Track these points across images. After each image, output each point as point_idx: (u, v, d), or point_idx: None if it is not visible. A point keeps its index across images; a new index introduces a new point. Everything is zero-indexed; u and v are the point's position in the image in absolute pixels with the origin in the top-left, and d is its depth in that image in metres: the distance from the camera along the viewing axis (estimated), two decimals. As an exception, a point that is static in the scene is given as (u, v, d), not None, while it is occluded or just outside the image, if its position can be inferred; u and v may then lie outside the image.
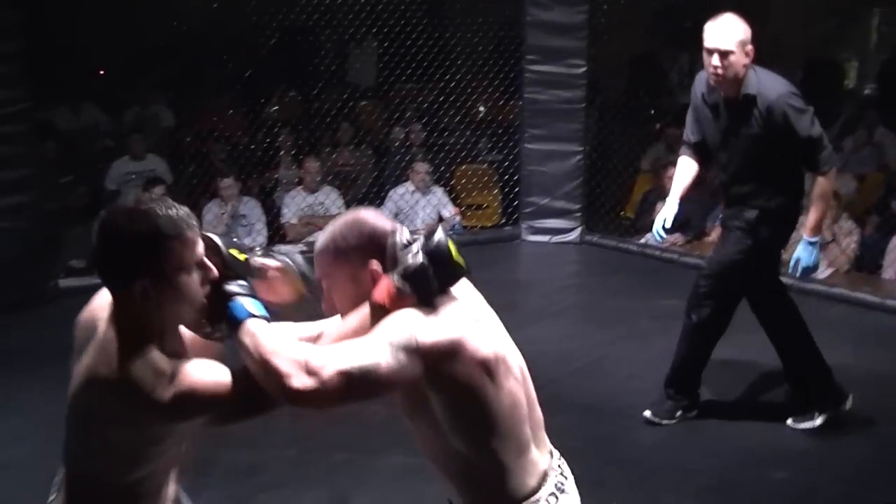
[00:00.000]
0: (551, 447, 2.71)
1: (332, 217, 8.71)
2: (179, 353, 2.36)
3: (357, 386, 2.27)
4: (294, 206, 8.87)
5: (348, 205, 9.00)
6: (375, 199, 9.15)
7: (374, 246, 2.48)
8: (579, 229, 8.81)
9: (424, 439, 2.58)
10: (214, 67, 10.38)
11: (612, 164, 9.15)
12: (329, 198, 8.92)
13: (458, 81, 9.28)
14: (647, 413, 5.43)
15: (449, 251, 2.43)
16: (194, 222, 2.32)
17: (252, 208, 8.73)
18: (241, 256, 2.49)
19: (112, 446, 2.33)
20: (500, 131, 9.61)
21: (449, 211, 8.99)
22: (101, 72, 11.17)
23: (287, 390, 2.22)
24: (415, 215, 8.92)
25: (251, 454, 5.18)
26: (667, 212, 5.45)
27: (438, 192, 9.08)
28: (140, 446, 2.33)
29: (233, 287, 2.37)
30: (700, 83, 5.26)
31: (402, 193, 8.99)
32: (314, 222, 8.73)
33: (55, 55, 9.26)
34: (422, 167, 9.01)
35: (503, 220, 9.25)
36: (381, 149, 10.01)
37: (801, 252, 5.15)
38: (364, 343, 2.32)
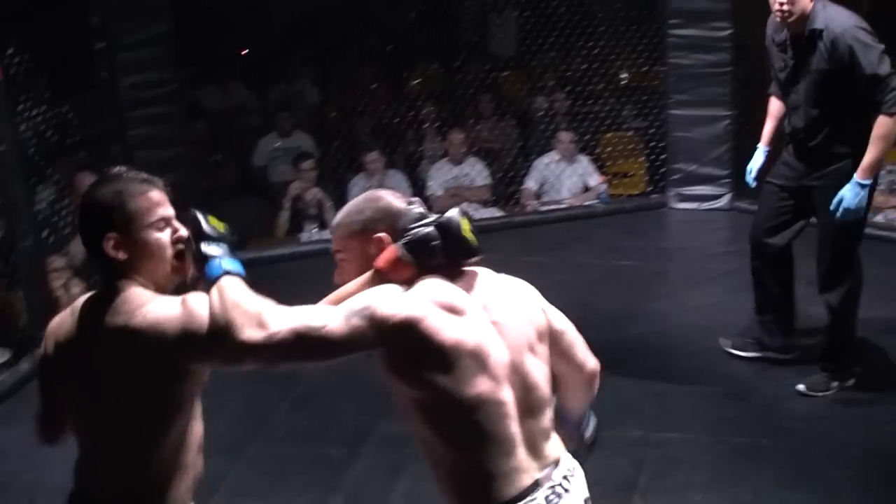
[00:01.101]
0: (562, 458, 2.64)
1: (478, 188, 8.80)
2: None
3: (304, 345, 2.37)
4: (439, 177, 8.89)
5: (493, 175, 9.00)
6: (521, 169, 9.11)
7: (387, 219, 2.57)
8: (728, 196, 8.62)
9: (418, 444, 2.60)
10: (357, 43, 10.43)
11: (761, 128, 8.92)
12: (474, 169, 8.91)
13: (601, 48, 9.18)
14: (801, 387, 5.32)
15: (459, 227, 2.51)
16: (158, 185, 2.60)
17: (398, 181, 8.77)
18: (221, 225, 2.62)
19: (125, 412, 2.50)
20: (644, 98, 9.48)
21: (595, 180, 8.91)
22: (246, 51, 11.32)
23: (236, 341, 2.33)
24: (560, 184, 8.86)
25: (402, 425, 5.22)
26: (754, 161, 5.39)
27: (584, 161, 8.99)
28: (148, 402, 2.49)
29: (209, 249, 2.50)
30: (770, 24, 5.12)
31: (546, 163, 8.94)
32: (460, 194, 8.74)
33: (202, 35, 9.42)
34: (566, 136, 8.93)
35: (650, 188, 9.13)
36: (525, 119, 9.95)
37: (847, 192, 4.92)
38: (323, 306, 2.46)
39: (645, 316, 5.68)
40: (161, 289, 2.57)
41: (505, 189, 9.03)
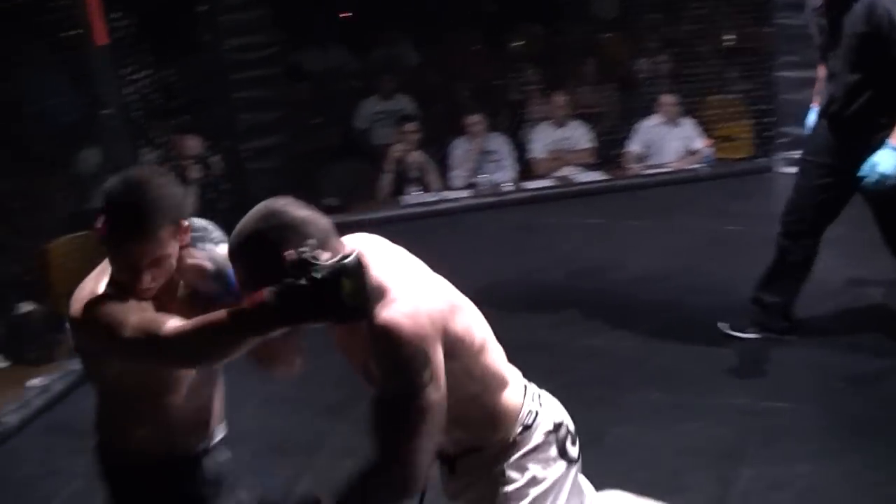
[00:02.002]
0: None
1: (581, 151, 8.71)
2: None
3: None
4: (542, 140, 8.81)
5: (596, 138, 8.89)
6: (623, 132, 8.99)
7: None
8: (837, 159, 8.42)
9: None
10: (459, 4, 10.37)
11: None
12: (577, 131, 8.81)
13: (706, 9, 9.00)
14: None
15: (338, 286, 2.17)
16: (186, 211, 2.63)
17: (500, 144, 8.72)
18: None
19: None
20: (750, 60, 9.27)
21: (699, 143, 8.76)
22: (348, 14, 11.32)
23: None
24: (664, 148, 8.73)
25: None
26: (806, 125, 5.25)
27: (688, 125, 8.84)
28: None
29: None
30: None
31: (650, 126, 8.81)
32: (562, 157, 8.67)
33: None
34: (669, 99, 8.78)
35: (756, 152, 8.95)
36: (627, 82, 9.82)
37: (882, 157, 4.72)
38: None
39: (751, 281, 5.56)
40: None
41: (608, 152, 8.92)
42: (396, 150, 8.49)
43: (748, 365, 5.27)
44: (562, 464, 2.74)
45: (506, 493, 2.66)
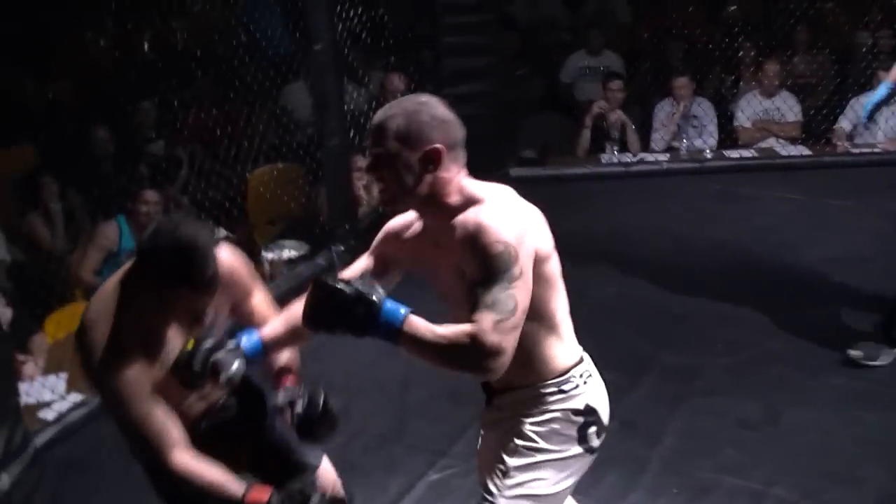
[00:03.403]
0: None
1: (788, 124, 8.46)
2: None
3: None
4: (749, 109, 8.59)
5: (806, 112, 8.62)
6: (836, 107, 8.69)
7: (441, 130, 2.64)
8: None
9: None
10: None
11: None
12: (786, 103, 8.56)
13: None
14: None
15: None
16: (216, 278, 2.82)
17: (705, 109, 8.54)
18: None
19: None
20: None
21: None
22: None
23: None
24: (876, 126, 8.36)
25: (688, 357, 5.15)
26: (877, 95, 5.19)
27: (905, 104, 8.48)
28: None
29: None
30: None
31: (864, 103, 8.46)
32: (768, 127, 8.44)
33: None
34: (886, 75, 8.40)
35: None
36: (845, 54, 9.47)
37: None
38: None
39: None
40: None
41: (817, 127, 8.63)
42: (598, 106, 8.41)
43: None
44: (578, 447, 2.81)
45: (515, 445, 2.80)
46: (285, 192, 7.29)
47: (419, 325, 2.52)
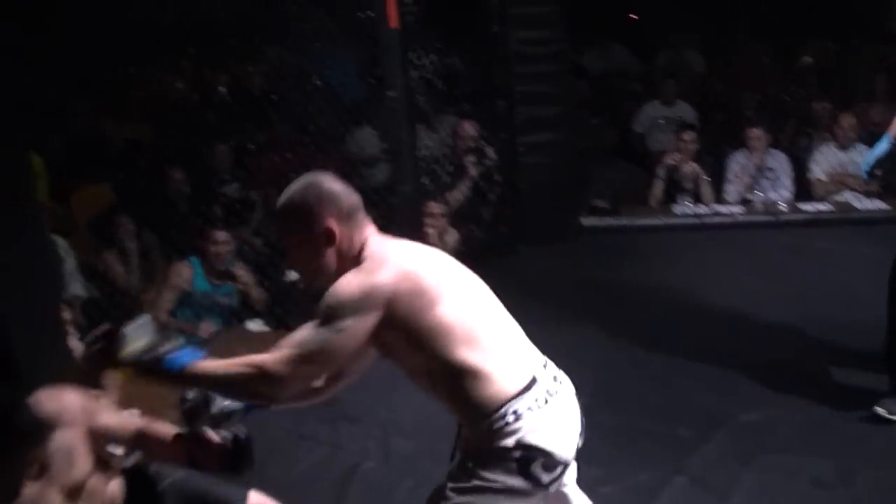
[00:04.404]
0: (546, 362, 3.00)
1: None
2: None
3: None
4: (824, 162, 8.48)
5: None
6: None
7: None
8: None
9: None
10: (749, 13, 10.16)
11: None
12: (862, 156, 8.42)
13: None
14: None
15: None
16: None
17: (780, 161, 8.47)
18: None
19: None
20: None
21: None
22: (635, 16, 11.26)
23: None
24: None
25: (760, 413, 5.08)
26: (877, 149, 5.03)
27: None
28: None
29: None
30: None
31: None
32: (844, 181, 8.34)
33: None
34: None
35: None
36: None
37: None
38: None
39: None
40: None
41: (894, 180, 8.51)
42: (671, 157, 8.38)
43: None
44: (520, 480, 2.83)
45: (456, 471, 2.92)
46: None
47: (205, 365, 2.79)
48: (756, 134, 8.39)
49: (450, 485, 2.89)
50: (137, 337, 2.83)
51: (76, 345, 5.23)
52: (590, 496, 4.33)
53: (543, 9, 7.63)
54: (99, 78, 8.21)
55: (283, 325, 6.34)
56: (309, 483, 4.70)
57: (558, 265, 7.33)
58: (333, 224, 2.85)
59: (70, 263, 6.45)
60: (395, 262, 2.83)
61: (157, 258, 7.06)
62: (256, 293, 6.67)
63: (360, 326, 2.74)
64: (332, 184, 2.92)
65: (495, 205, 7.84)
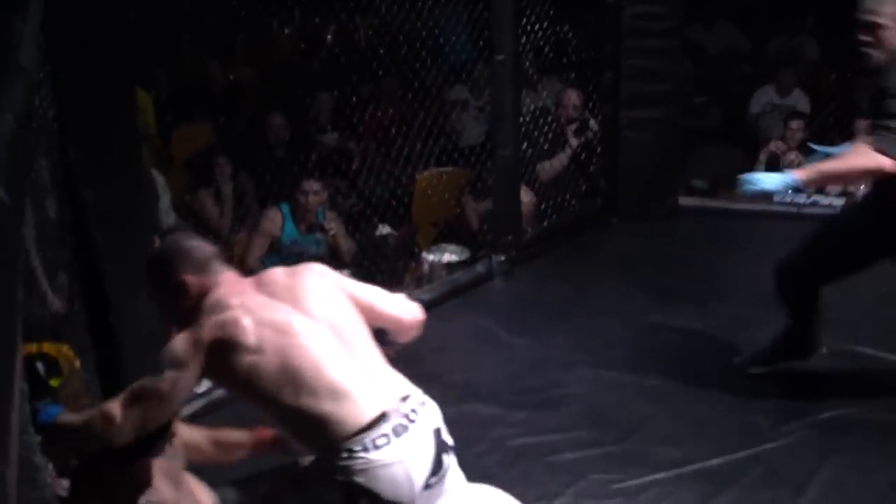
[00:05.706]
0: (411, 394, 2.99)
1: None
2: None
3: None
4: (931, 159, 8.26)
5: None
6: None
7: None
8: None
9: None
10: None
11: None
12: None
13: None
14: None
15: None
16: None
17: (888, 152, 8.27)
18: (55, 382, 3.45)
19: None
20: None
21: None
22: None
23: None
24: None
25: (841, 410, 4.98)
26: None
27: None
28: None
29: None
30: None
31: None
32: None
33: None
34: None
35: None
36: None
37: (771, 177, 4.75)
38: None
39: None
40: None
41: None
42: (776, 145, 8.23)
43: None
44: None
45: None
46: (452, 196, 7.33)
47: (64, 419, 3.05)
48: (865, 125, 8.17)
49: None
50: None
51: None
52: (666, 477, 4.32)
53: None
54: (210, 23, 8.28)
55: (368, 279, 6.36)
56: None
57: (650, 242, 7.26)
58: (185, 278, 3.05)
59: (165, 200, 6.53)
60: (223, 314, 2.97)
61: (251, 202, 7.11)
62: (346, 244, 6.68)
63: (181, 377, 2.93)
64: (184, 241, 3.20)
65: (593, 176, 7.79)
